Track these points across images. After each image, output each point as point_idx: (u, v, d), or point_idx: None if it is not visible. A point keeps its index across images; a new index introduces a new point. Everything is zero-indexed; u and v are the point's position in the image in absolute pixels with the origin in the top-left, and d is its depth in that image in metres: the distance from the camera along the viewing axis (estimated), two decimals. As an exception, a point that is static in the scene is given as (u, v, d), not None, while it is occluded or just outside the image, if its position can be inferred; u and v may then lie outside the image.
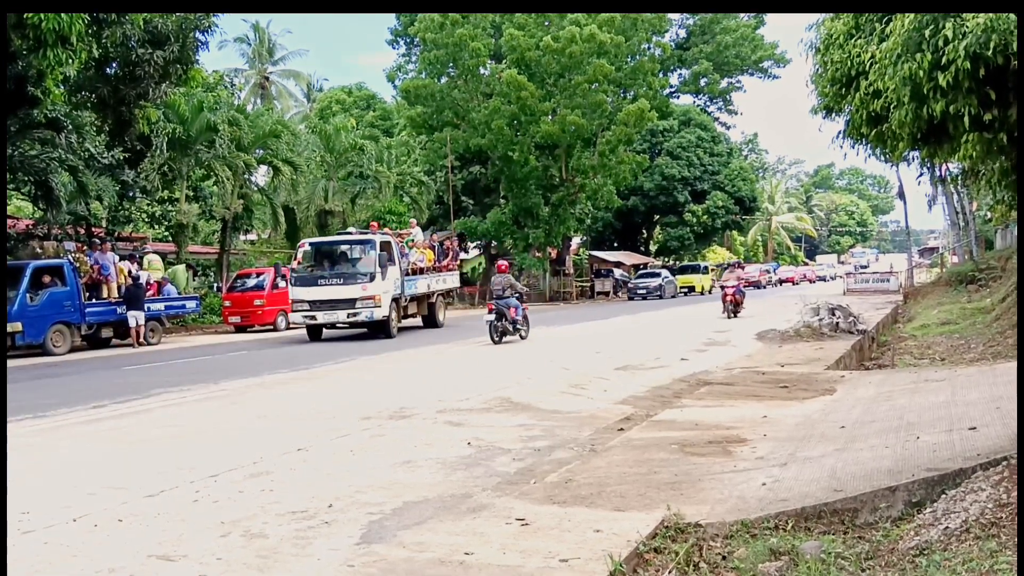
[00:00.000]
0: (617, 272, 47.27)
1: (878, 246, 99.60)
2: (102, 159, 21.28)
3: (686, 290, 43.81)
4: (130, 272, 19.87)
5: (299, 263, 18.52)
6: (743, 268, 33.63)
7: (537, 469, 6.09)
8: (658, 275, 42.84)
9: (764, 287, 50.46)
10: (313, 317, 17.88)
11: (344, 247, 19.23)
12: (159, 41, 19.18)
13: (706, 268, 47.54)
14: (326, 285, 17.67)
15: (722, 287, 23.05)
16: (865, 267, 52.77)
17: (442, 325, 21.65)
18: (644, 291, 40.71)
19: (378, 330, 18.39)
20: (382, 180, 34.23)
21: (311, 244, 19.69)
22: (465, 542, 4.38)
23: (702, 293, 43.47)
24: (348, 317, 17.66)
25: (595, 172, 38.34)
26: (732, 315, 21.43)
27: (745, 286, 26.06)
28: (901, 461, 5.24)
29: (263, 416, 8.90)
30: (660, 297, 39.71)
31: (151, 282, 20.39)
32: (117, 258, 20.13)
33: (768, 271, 57.26)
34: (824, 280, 59.83)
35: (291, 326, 20.44)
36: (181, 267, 23.13)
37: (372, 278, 17.59)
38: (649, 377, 10.87)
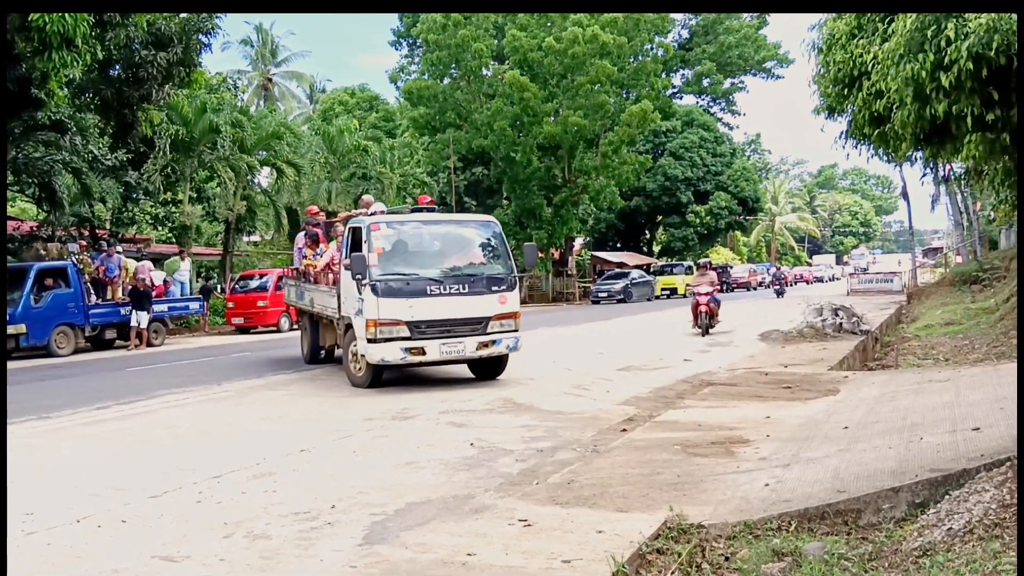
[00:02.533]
0: (621, 272, 46.94)
1: (882, 246, 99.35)
2: (106, 161, 21.32)
3: (668, 292, 39.92)
4: (136, 273, 19.85)
5: (380, 255, 10.16)
6: (716, 270, 27.22)
7: (540, 470, 6.10)
8: (625, 276, 37.91)
9: (754, 289, 47.93)
10: (420, 350, 9.93)
11: (450, 231, 11.41)
12: (162, 43, 19.22)
13: (690, 268, 40.41)
14: (440, 295, 10.11)
15: (693, 294, 18.05)
16: (864, 270, 50.67)
17: None
18: (606, 295, 35.77)
19: (485, 370, 11.09)
20: (385, 181, 34.27)
21: (391, 225, 10.67)
22: (468, 543, 4.38)
23: (684, 296, 37.12)
24: (479, 349, 10.27)
25: (598, 173, 38.35)
26: (705, 332, 16.93)
27: (727, 289, 23.35)
28: (904, 462, 5.24)
29: (266, 417, 8.92)
30: (623, 301, 34.86)
31: (155, 284, 20.40)
32: (123, 260, 20.14)
33: (756, 271, 53.01)
34: (821, 281, 57.04)
35: (358, 365, 10.58)
36: (176, 258, 23.05)
37: (512, 285, 10.68)
38: (652, 378, 10.86)
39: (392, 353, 9.91)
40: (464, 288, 10.28)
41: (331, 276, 11.97)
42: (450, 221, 11.92)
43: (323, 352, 13.29)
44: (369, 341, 9.90)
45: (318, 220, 14.24)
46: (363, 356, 10.19)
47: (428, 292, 10.10)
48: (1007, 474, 4.45)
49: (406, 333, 9.90)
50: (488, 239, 11.08)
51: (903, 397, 7.92)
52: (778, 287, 35.40)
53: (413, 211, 11.70)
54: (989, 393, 7.29)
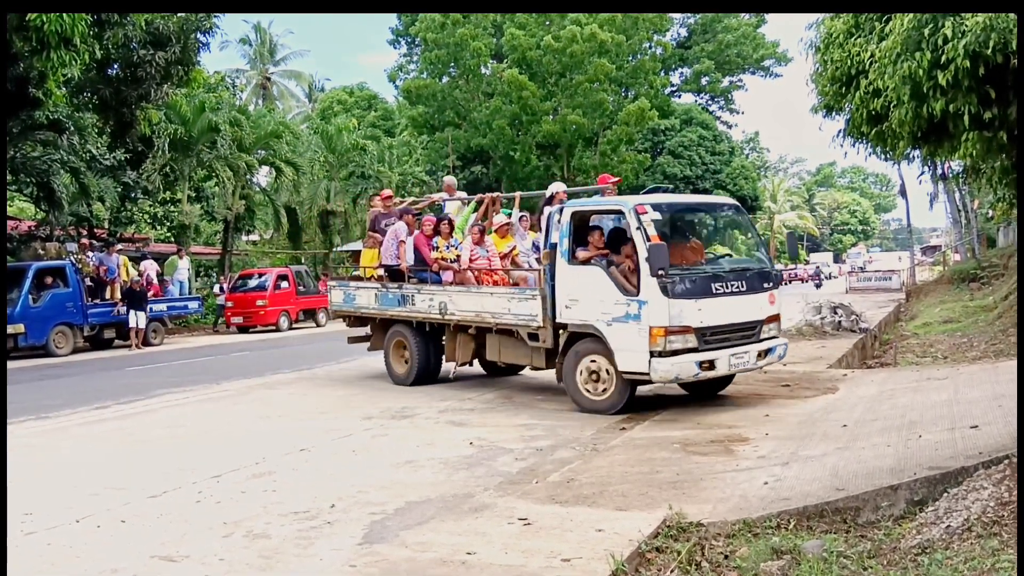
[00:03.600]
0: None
1: (880, 244, 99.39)
2: (104, 160, 21.29)
3: None
4: (143, 272, 19.80)
5: (658, 241, 7.83)
6: None
7: (539, 469, 6.11)
8: None
9: None
10: (710, 364, 7.94)
11: (707, 216, 9.92)
12: (160, 42, 19.20)
13: None
14: (724, 294, 8.20)
15: None
16: (862, 269, 49.76)
17: None
18: None
19: (708, 385, 9.05)
20: (384, 180, 34.23)
21: (656, 207, 8.26)
22: (467, 542, 4.39)
23: None
24: (758, 359, 8.42)
25: (597, 171, 38.34)
26: None
27: None
28: (903, 460, 5.25)
29: (265, 416, 8.93)
30: None
31: (151, 283, 20.34)
32: (121, 259, 20.09)
33: None
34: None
35: (601, 387, 8.44)
36: (175, 257, 23.01)
37: (779, 281, 9.18)
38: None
39: (686, 369, 7.83)
40: (742, 286, 8.37)
41: (474, 274, 9.87)
42: (699, 204, 9.95)
43: (453, 370, 10.69)
44: (655, 355, 7.75)
45: (430, 208, 11.51)
46: (625, 373, 8.04)
47: (713, 291, 8.10)
48: (1005, 472, 4.46)
49: (694, 343, 7.86)
50: (743, 226, 9.54)
51: (902, 395, 7.93)
52: (817, 281, 44.13)
53: (648, 191, 9.42)
54: (987, 391, 7.30)
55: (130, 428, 8.49)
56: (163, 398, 10.46)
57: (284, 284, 24.31)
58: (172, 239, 29.12)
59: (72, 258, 19.22)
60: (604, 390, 8.35)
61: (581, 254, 8.40)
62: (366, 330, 11.57)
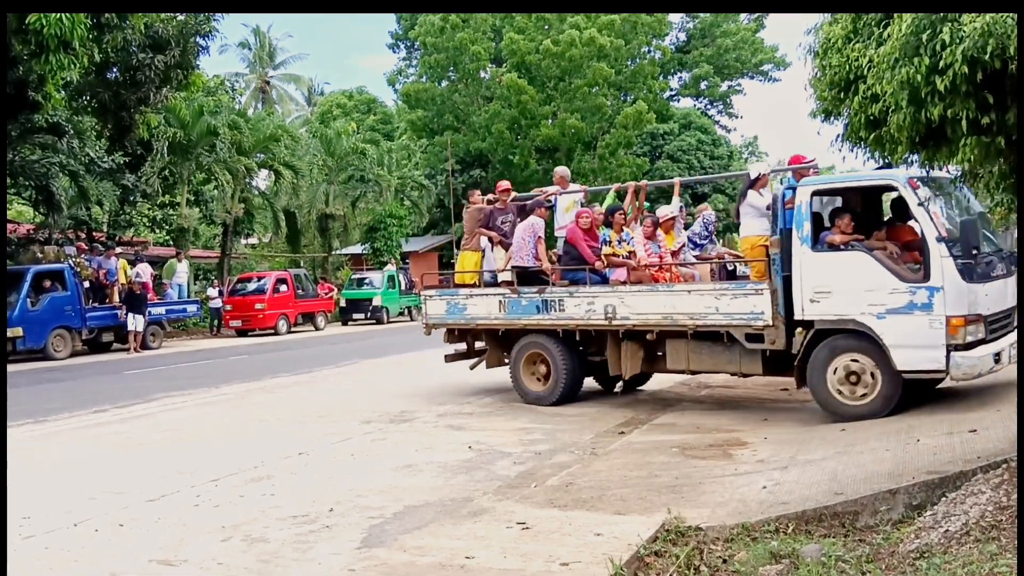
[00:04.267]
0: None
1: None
2: (103, 164, 21.31)
3: None
4: (137, 275, 19.78)
5: (945, 228, 7.05)
6: None
7: (538, 473, 6.11)
8: None
9: None
10: (998, 357, 6.99)
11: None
12: (160, 46, 19.23)
13: None
14: (999, 277, 7.39)
15: None
16: None
17: None
18: None
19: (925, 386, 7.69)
20: (383, 184, 34.27)
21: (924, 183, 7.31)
22: (466, 546, 4.39)
23: None
24: (1011, 348, 7.44)
25: (595, 175, 38.38)
26: None
27: None
28: (901, 464, 5.25)
29: (264, 420, 8.92)
30: None
31: (145, 283, 20.28)
32: (122, 263, 20.07)
33: None
34: None
35: (860, 391, 7.12)
36: (173, 260, 23.00)
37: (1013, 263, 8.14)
38: (650, 380, 10.86)
39: (986, 363, 6.83)
40: (1004, 269, 7.46)
41: (651, 271, 8.66)
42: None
43: (620, 384, 9.77)
44: (954, 349, 6.73)
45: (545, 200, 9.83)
46: (908, 372, 6.94)
47: (992, 274, 7.17)
48: (1004, 476, 4.46)
49: (983, 333, 6.91)
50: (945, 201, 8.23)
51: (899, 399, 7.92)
52: None
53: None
54: (986, 395, 7.30)
55: (128, 432, 8.48)
56: (161, 402, 10.45)
57: (283, 287, 24.33)
58: (171, 242, 29.12)
59: (71, 261, 19.22)
60: (864, 394, 7.16)
61: (832, 238, 7.34)
62: (462, 346, 10.21)
